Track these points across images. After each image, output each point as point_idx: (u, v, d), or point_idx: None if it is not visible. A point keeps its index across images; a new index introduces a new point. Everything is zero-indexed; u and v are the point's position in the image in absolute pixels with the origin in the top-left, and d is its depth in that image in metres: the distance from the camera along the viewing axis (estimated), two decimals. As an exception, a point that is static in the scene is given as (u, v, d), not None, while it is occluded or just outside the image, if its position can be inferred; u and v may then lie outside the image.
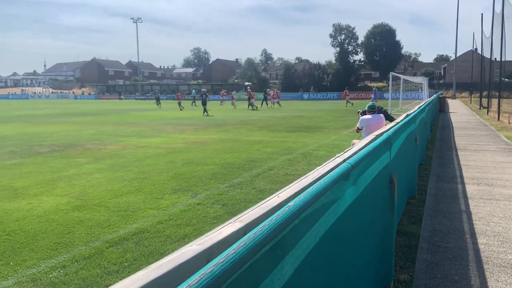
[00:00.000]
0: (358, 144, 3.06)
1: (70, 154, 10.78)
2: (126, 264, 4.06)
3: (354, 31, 76.52)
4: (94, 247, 4.47)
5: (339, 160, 2.36)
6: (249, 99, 36.71)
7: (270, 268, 1.21)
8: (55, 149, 11.78)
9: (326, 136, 14.35)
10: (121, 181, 7.62)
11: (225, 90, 44.14)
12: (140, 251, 4.36)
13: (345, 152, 2.69)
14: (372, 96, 37.78)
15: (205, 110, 28.25)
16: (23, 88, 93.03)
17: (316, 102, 53.57)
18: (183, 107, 35.92)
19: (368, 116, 7.57)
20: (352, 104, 40.45)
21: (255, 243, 1.06)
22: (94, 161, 9.71)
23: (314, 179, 1.86)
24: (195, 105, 38.14)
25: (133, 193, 6.77)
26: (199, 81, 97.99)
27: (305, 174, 6.53)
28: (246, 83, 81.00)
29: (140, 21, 79.81)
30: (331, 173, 1.86)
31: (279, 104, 42.04)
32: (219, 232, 1.16)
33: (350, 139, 12.48)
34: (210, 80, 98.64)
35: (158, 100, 44.52)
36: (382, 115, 7.67)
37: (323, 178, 1.73)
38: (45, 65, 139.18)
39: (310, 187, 1.59)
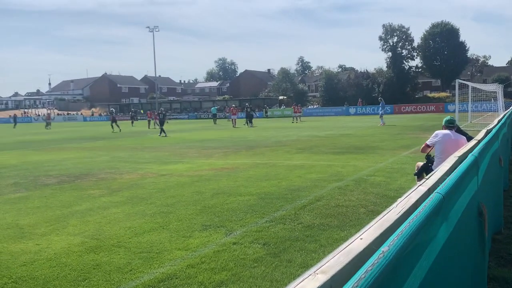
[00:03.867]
0: (440, 168, 2.93)
1: (82, 186, 10.98)
2: (153, 318, 3.99)
3: (409, 32, 76.13)
4: (115, 297, 4.44)
5: (423, 189, 2.24)
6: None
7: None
8: (64, 179, 12.05)
9: (382, 158, 14.07)
10: (142, 216, 7.66)
11: (234, 106, 49.91)
12: (168, 302, 4.29)
13: (426, 179, 2.57)
14: (380, 111, 35.86)
15: (162, 130, 30.51)
16: (25, 110, 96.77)
17: (366, 117, 53.10)
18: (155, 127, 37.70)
19: (445, 131, 7.22)
20: (298, 120, 47.81)
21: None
22: (110, 193, 9.84)
23: (399, 215, 1.75)
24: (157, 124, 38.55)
25: (157, 230, 6.77)
26: (226, 96, 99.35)
27: (361, 204, 6.38)
28: (281, 97, 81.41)
29: (157, 29, 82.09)
30: (421, 207, 1.74)
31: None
32: (301, 287, 1.08)
33: (412, 161, 12.19)
34: (238, 94, 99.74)
35: (133, 118, 53.21)
36: (463, 136, 7.26)
37: (414, 214, 1.63)
38: (49, 83, 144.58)
39: (402, 227, 1.48)
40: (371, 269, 1.11)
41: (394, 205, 1.92)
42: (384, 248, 1.26)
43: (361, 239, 1.46)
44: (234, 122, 42.47)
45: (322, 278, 1.13)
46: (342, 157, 14.83)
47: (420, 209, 1.68)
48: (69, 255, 5.78)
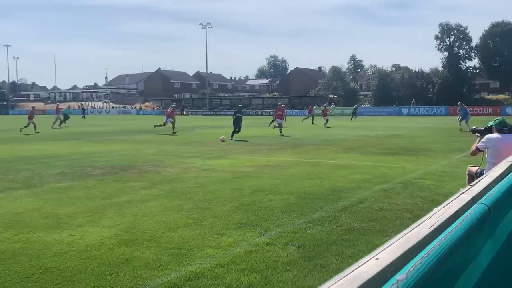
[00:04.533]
0: (490, 174, 2.55)
1: (125, 177, 11.04)
2: (174, 319, 3.81)
3: (467, 31, 73.35)
4: (139, 294, 4.30)
5: (466, 198, 1.90)
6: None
7: None
8: (109, 171, 12.17)
9: (434, 161, 13.42)
10: (178, 211, 7.54)
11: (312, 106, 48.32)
12: (193, 303, 4.10)
13: (472, 186, 2.21)
14: (461, 115, 29.44)
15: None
16: (82, 102, 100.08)
17: (419, 118, 51.50)
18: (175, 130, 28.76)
19: (496, 135, 6.78)
20: (311, 120, 41.44)
21: None
22: (151, 186, 9.82)
23: (431, 229, 1.43)
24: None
25: (191, 226, 6.62)
26: (275, 93, 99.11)
27: (407, 209, 5.90)
28: (331, 96, 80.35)
29: (209, 26, 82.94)
30: (459, 220, 1.42)
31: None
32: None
33: (464, 164, 11.52)
34: (287, 92, 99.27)
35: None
36: None
37: (449, 230, 1.31)
38: (106, 77, 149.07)
39: (430, 246, 1.18)
40: (376, 308, 0.82)
41: (428, 215, 1.60)
42: (401, 276, 0.97)
43: (376, 259, 1.16)
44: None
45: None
46: (390, 158, 14.28)
47: (456, 224, 1.36)
48: (101, 247, 5.70)
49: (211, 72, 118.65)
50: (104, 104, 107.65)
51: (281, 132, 26.35)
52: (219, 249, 5.61)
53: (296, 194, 8.74)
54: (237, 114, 24.62)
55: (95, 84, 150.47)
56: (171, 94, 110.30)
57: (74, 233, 6.32)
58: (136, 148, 18.70)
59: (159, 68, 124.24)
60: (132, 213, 7.47)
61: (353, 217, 7.05)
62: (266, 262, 5.10)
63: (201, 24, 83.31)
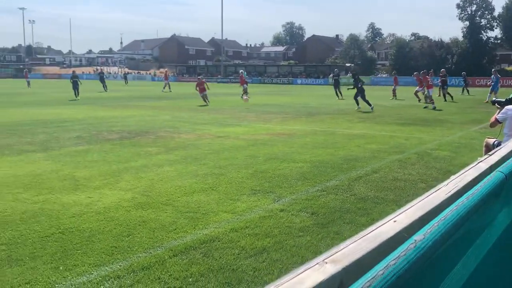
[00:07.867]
0: (508, 144, 2.56)
1: (141, 142, 11.16)
2: (190, 280, 3.93)
3: (490, 0, 71.26)
4: (155, 255, 4.42)
5: (483, 166, 1.91)
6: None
7: None
8: (125, 136, 12.31)
9: (450, 132, 13.33)
10: (194, 176, 7.64)
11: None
12: (208, 265, 4.21)
13: (490, 155, 2.22)
14: (491, 86, 27.68)
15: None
16: (97, 67, 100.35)
17: (436, 88, 50.72)
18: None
19: None
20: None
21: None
22: (166, 152, 9.92)
23: (448, 195, 1.46)
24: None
25: (206, 191, 6.72)
26: (291, 61, 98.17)
27: (422, 179, 5.90)
28: (348, 64, 79.44)
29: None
30: (477, 187, 1.45)
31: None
32: (299, 279, 0.85)
33: (481, 136, 11.44)
34: (303, 60, 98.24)
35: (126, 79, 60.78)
36: None
37: (466, 195, 1.34)
38: (121, 42, 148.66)
39: (447, 210, 1.21)
40: (394, 264, 0.86)
41: (445, 182, 1.62)
42: (418, 236, 1.00)
43: (394, 221, 1.20)
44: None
45: (331, 269, 0.89)
46: (406, 129, 14.20)
47: (473, 190, 1.39)
48: (118, 209, 5.83)
49: (226, 39, 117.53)
50: (119, 70, 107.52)
51: (433, 104, 22.61)
52: (233, 214, 5.70)
53: (310, 163, 8.78)
54: (335, 78, 26.72)
55: (110, 49, 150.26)
56: (186, 61, 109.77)
57: (92, 195, 6.46)
58: (152, 114, 18.81)
59: (174, 34, 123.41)
60: (148, 177, 7.59)
61: (367, 186, 7.09)
62: (279, 228, 5.18)
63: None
